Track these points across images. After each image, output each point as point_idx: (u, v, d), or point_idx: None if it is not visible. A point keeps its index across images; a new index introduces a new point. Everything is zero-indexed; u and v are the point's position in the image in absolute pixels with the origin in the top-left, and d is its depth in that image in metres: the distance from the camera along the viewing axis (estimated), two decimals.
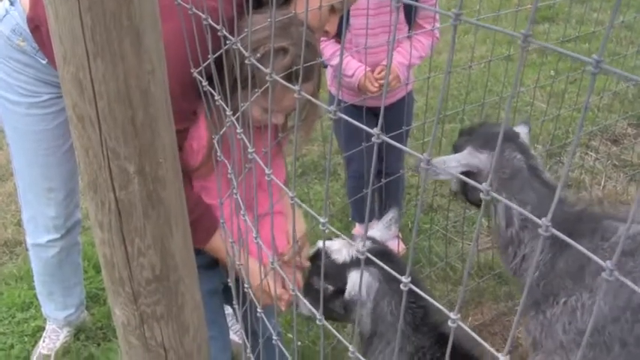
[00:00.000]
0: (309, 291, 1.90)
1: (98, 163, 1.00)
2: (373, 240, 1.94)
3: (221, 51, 1.25)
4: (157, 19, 0.93)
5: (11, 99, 2.25)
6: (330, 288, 1.84)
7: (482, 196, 0.58)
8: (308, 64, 1.62)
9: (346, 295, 1.78)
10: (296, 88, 0.81)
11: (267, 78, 0.87)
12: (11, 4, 2.16)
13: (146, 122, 0.99)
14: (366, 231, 0.93)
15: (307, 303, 1.48)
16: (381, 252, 1.87)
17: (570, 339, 1.96)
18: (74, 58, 0.89)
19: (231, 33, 1.18)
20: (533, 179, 2.13)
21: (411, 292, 1.90)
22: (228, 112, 1.16)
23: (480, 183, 2.37)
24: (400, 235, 3.50)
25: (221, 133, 1.36)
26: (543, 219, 0.48)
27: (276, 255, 1.82)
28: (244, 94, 1.41)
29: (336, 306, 1.85)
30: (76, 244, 2.69)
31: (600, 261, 0.46)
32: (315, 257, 1.93)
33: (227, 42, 1.15)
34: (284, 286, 1.86)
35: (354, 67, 2.81)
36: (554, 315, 2.00)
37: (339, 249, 1.88)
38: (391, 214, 2.06)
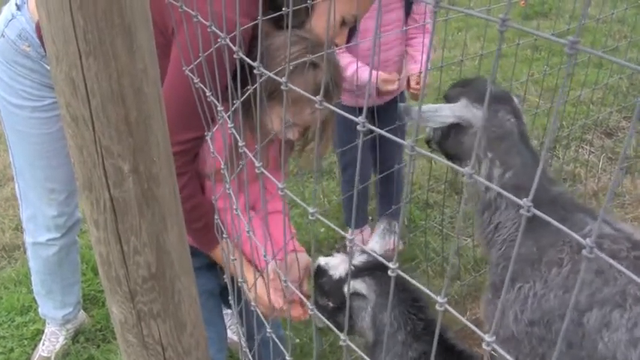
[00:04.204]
0: (318, 306, 1.88)
1: (92, 161, 1.01)
2: (369, 254, 1.87)
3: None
4: (148, 17, 0.94)
5: (14, 102, 2.27)
6: (331, 305, 1.84)
7: (466, 179, 0.59)
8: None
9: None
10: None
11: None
12: (18, 8, 2.17)
13: (140, 120, 0.99)
14: (353, 229, 0.94)
15: (322, 317, 1.49)
16: (377, 265, 1.82)
17: (521, 329, 1.91)
18: (67, 57, 0.89)
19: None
20: (521, 145, 2.06)
21: (412, 304, 1.86)
22: (220, 108, 1.17)
23: (467, 139, 2.29)
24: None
25: (213, 130, 1.37)
26: (524, 199, 0.48)
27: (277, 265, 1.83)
28: (266, 106, 1.48)
29: (341, 319, 1.85)
30: (75, 243, 2.71)
31: (579, 238, 0.47)
32: (316, 274, 1.90)
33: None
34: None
35: (367, 77, 2.79)
36: (507, 301, 1.94)
37: (337, 265, 1.86)
38: (383, 225, 2.02)
